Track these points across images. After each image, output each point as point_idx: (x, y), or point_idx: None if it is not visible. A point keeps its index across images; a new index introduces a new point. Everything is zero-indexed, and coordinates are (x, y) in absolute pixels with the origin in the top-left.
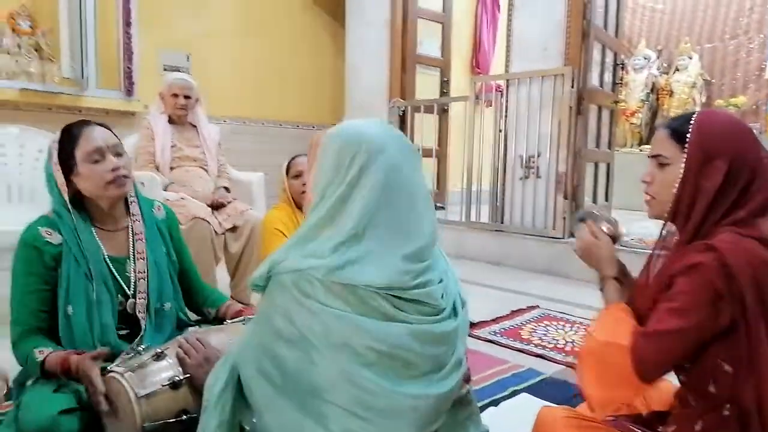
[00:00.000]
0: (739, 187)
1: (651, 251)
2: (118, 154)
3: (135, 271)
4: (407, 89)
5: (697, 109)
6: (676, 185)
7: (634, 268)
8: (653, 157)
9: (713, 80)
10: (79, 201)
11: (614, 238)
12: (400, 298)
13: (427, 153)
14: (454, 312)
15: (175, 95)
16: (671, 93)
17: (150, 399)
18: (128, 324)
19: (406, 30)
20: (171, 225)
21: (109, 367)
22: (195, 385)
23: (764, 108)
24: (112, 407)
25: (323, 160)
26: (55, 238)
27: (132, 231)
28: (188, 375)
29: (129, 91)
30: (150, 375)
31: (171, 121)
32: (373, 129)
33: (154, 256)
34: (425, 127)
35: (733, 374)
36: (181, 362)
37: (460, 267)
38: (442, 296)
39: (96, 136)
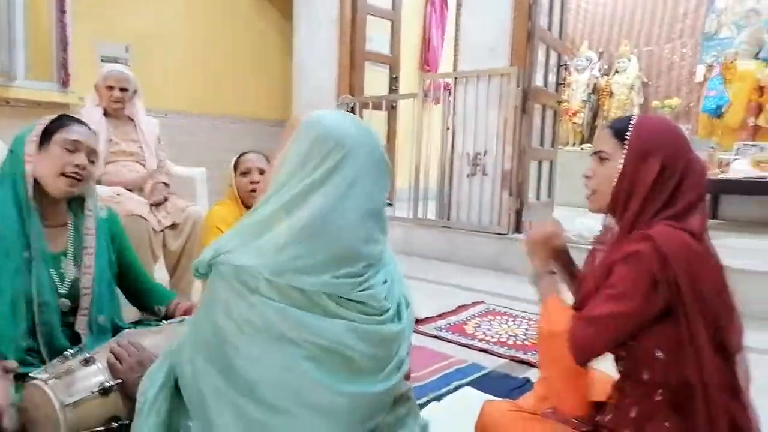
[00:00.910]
0: (671, 185)
1: (591, 246)
2: (91, 161)
3: (81, 284)
4: (356, 86)
5: (635, 109)
6: (615, 179)
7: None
8: (595, 153)
9: (650, 82)
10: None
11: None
12: (343, 297)
13: None
14: (398, 314)
15: (111, 87)
16: (611, 94)
17: (77, 407)
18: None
19: (356, 26)
20: (112, 225)
21: (31, 374)
22: (127, 391)
23: (695, 109)
24: (30, 421)
25: (294, 146)
26: None
27: (72, 230)
28: (119, 380)
29: (64, 83)
30: (78, 381)
31: (107, 114)
32: (353, 129)
33: (100, 271)
34: (374, 123)
35: (664, 360)
36: (112, 367)
37: (408, 263)
38: (386, 297)
39: (82, 133)
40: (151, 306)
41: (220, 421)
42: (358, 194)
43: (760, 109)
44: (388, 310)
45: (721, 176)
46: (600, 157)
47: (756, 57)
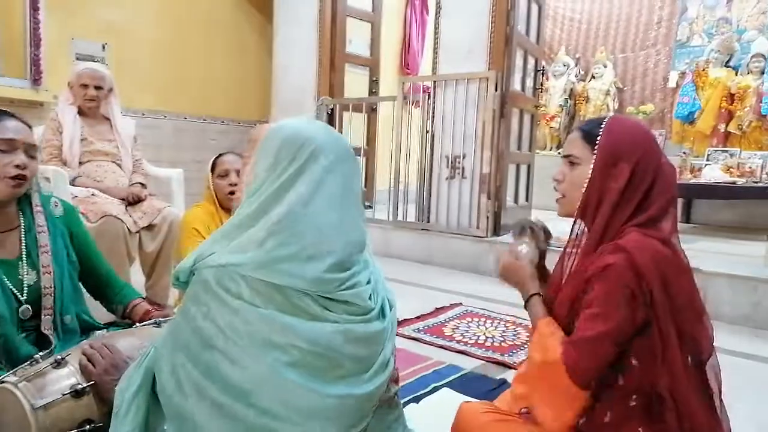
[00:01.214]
0: (642, 190)
1: (563, 249)
2: (31, 157)
3: (41, 285)
4: (336, 87)
5: (611, 115)
6: (585, 184)
7: (549, 265)
8: (565, 156)
9: (625, 88)
10: None
11: (543, 253)
12: (328, 298)
13: (355, 152)
14: (383, 313)
15: (85, 85)
16: (587, 99)
17: (48, 409)
18: (36, 343)
19: (335, 28)
20: (70, 221)
21: (0, 377)
22: (100, 393)
23: (669, 115)
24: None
25: (261, 156)
26: None
27: (24, 232)
28: (92, 383)
29: (36, 80)
30: (49, 384)
31: (82, 113)
32: (315, 130)
33: (59, 269)
34: (354, 126)
35: (639, 367)
36: (84, 369)
37: (387, 266)
38: (371, 297)
39: (15, 129)
40: (111, 303)
41: (204, 423)
42: (332, 184)
43: (730, 115)
44: (372, 310)
45: (693, 181)
46: (570, 161)
47: (726, 65)
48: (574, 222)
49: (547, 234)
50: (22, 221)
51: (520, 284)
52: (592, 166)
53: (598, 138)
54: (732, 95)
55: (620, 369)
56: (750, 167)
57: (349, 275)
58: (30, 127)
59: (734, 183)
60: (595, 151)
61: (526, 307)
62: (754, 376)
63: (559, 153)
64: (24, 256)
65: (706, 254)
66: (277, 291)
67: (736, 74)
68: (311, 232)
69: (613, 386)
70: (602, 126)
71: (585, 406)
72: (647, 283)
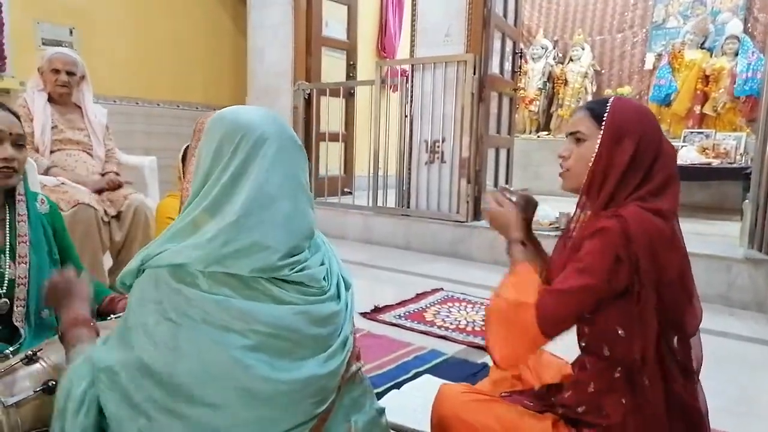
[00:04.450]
0: (644, 166)
1: (564, 230)
2: (18, 146)
3: (16, 276)
4: (313, 72)
5: (589, 97)
6: (592, 159)
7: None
8: (572, 134)
9: (603, 70)
10: None
11: (527, 204)
12: (282, 280)
13: (333, 137)
14: (338, 294)
15: (56, 71)
16: (566, 82)
17: (20, 407)
18: (3, 333)
19: (311, 11)
20: (54, 219)
21: None
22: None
23: (646, 97)
24: None
25: (204, 146)
26: None
27: (8, 224)
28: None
29: None
30: (19, 380)
31: (52, 100)
32: (257, 117)
33: (38, 259)
34: (331, 110)
35: (625, 338)
36: (48, 295)
37: (368, 252)
38: (325, 278)
39: (1, 120)
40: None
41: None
42: (279, 174)
43: (705, 97)
44: (328, 290)
45: None
46: (577, 137)
47: (701, 47)
48: (578, 203)
49: (531, 203)
50: (8, 214)
51: (505, 227)
52: (599, 141)
53: (605, 115)
54: (707, 77)
55: (606, 340)
56: (725, 148)
57: (302, 258)
58: (16, 115)
59: (709, 164)
60: (602, 128)
61: (508, 252)
62: (727, 353)
63: (538, 136)
64: (5, 248)
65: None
66: (233, 278)
67: (711, 56)
68: (263, 226)
69: (599, 357)
70: (608, 104)
71: (571, 380)
72: (635, 250)
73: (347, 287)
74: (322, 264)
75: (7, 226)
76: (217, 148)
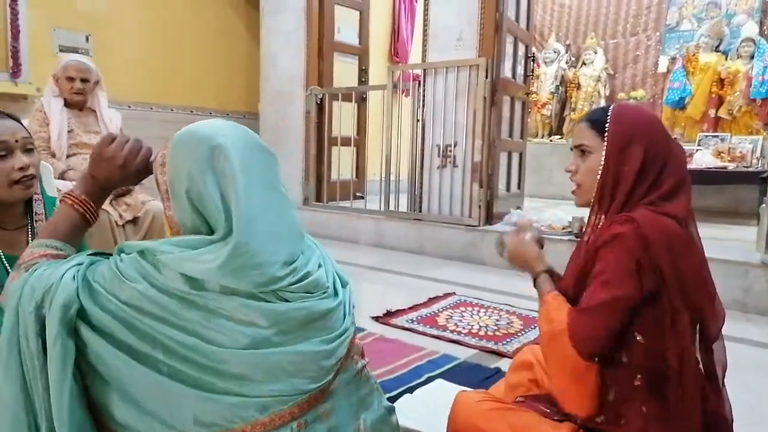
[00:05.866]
0: (655, 171)
1: (579, 239)
2: (28, 150)
3: None
4: (325, 77)
5: (602, 101)
6: (599, 171)
7: (564, 258)
8: (576, 147)
9: (616, 74)
10: None
11: (539, 242)
12: (291, 292)
13: (345, 142)
14: (335, 291)
15: (71, 78)
16: (579, 86)
17: None
18: None
19: (323, 16)
20: None
21: None
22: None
23: (660, 101)
24: None
25: (177, 166)
26: None
27: (31, 232)
28: None
29: (15, 73)
30: None
31: (68, 105)
32: (219, 125)
33: None
34: (344, 115)
35: (645, 344)
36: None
37: (380, 256)
38: (326, 279)
39: (7, 128)
40: None
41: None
42: (257, 187)
43: (720, 100)
44: (328, 288)
45: None
46: (581, 150)
47: (716, 49)
48: (591, 212)
49: (535, 230)
50: (29, 220)
51: (528, 263)
52: (604, 152)
53: (606, 125)
54: (722, 80)
55: (625, 347)
56: (740, 152)
57: (300, 264)
58: (15, 118)
59: (724, 168)
60: (606, 138)
61: (535, 285)
62: (744, 360)
63: (551, 140)
64: None
65: None
66: (238, 292)
67: (726, 59)
68: (257, 244)
69: (618, 364)
70: (608, 113)
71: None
72: (655, 254)
73: (343, 285)
74: (320, 266)
75: (29, 232)
76: (192, 165)
